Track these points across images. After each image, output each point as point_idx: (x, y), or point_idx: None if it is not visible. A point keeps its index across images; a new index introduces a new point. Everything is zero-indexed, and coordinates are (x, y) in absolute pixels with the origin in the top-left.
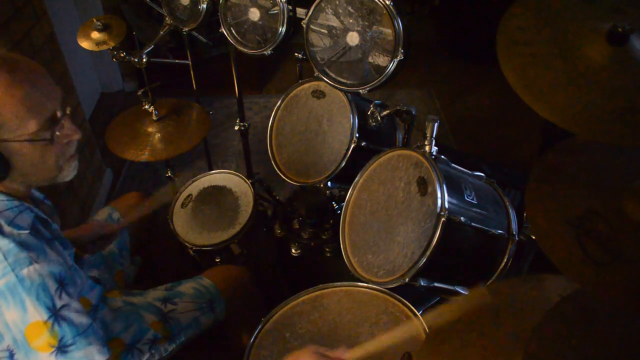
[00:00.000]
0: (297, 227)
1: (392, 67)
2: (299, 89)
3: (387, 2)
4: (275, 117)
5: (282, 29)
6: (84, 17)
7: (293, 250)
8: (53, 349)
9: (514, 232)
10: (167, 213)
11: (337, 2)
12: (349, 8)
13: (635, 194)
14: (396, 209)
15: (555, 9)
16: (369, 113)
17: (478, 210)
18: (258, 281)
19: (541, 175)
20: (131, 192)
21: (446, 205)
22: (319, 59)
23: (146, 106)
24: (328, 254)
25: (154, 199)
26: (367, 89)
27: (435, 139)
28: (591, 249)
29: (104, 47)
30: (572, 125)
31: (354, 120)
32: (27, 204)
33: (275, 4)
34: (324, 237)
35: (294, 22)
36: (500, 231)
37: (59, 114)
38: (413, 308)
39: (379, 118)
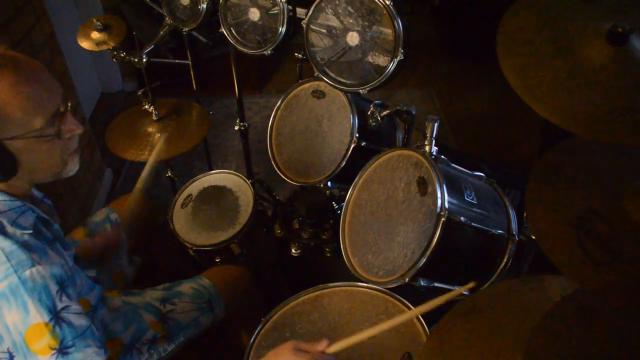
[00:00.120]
0: (297, 227)
1: (392, 67)
2: (299, 89)
3: (387, 2)
4: (275, 117)
5: (282, 29)
6: (84, 17)
7: (293, 250)
8: (54, 351)
9: (514, 232)
10: (167, 213)
11: (337, 2)
12: (349, 8)
13: (635, 194)
14: (396, 209)
15: (555, 9)
16: (369, 113)
17: (478, 210)
18: (258, 281)
19: (541, 175)
20: (129, 193)
21: (446, 205)
22: (319, 59)
23: (146, 106)
24: (328, 254)
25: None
26: (367, 89)
27: (435, 139)
28: (591, 249)
29: (104, 47)
30: (572, 125)
31: (354, 120)
32: (28, 204)
33: (275, 4)
34: (324, 237)
35: (294, 22)
36: (500, 231)
37: (62, 109)
38: (413, 308)
39: (379, 118)
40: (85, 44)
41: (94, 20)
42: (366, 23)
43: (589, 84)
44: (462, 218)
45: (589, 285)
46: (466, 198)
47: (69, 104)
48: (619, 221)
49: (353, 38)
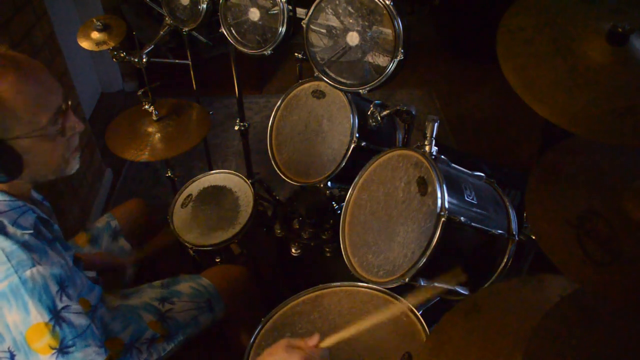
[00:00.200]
0: (297, 227)
1: (392, 67)
2: (299, 89)
3: (387, 2)
4: (275, 117)
5: (282, 29)
6: (84, 17)
7: (293, 250)
8: (54, 351)
9: (514, 232)
10: (167, 213)
11: (337, 2)
12: (349, 8)
13: (635, 194)
14: (396, 209)
15: (555, 9)
16: (369, 113)
17: (478, 210)
18: (258, 281)
19: (541, 175)
20: (132, 200)
21: (446, 205)
22: (319, 59)
23: (146, 106)
24: (328, 254)
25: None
26: (367, 89)
27: (435, 139)
28: (591, 249)
29: (104, 47)
30: (572, 125)
31: (354, 120)
32: (29, 205)
33: (275, 4)
34: (324, 237)
35: (294, 22)
36: (500, 231)
37: (63, 106)
38: (413, 308)
39: (379, 118)
40: (85, 44)
41: (94, 20)
42: (366, 23)
43: (589, 84)
44: (462, 218)
45: (589, 285)
46: (466, 198)
47: (69, 102)
48: (619, 221)
49: (353, 38)
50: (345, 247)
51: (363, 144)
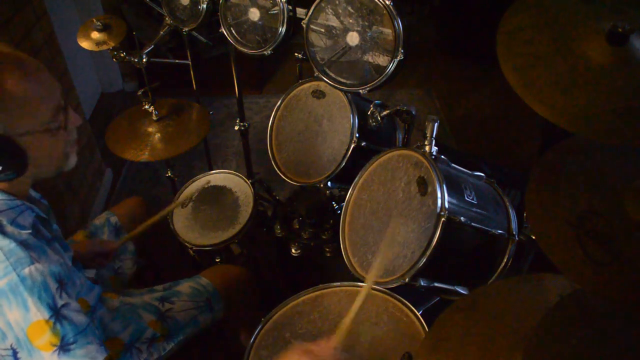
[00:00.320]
0: (297, 227)
1: (392, 67)
2: (299, 89)
3: (387, 2)
4: (275, 117)
5: (282, 29)
6: (84, 17)
7: (293, 250)
8: (55, 348)
9: (514, 232)
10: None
11: (337, 2)
12: (349, 8)
13: (635, 194)
14: (396, 209)
15: (555, 9)
16: (369, 113)
17: (478, 210)
18: (258, 281)
19: (541, 175)
20: (131, 198)
21: (446, 205)
22: (319, 59)
23: (146, 106)
24: (328, 254)
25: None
26: (367, 89)
27: (435, 139)
28: (591, 249)
29: (104, 47)
30: (572, 125)
31: (354, 120)
32: (27, 204)
33: (275, 4)
34: (324, 237)
35: (294, 22)
36: (500, 231)
37: (62, 102)
38: (413, 308)
39: (379, 118)
40: (85, 44)
41: (94, 20)
42: (366, 23)
43: (589, 84)
44: (462, 218)
45: (589, 285)
46: (466, 198)
47: (66, 99)
48: (619, 221)
49: (353, 38)
50: (345, 247)
51: (363, 144)
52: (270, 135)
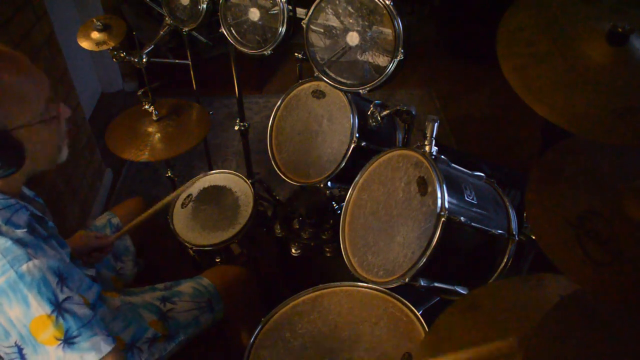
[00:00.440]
0: (297, 227)
1: (392, 67)
2: (299, 89)
3: (387, 2)
4: (275, 117)
5: (282, 29)
6: (84, 17)
7: (293, 250)
8: (59, 342)
9: (514, 232)
10: (167, 213)
11: (337, 2)
12: (349, 8)
13: (635, 194)
14: (396, 209)
15: (555, 9)
16: (369, 113)
17: (478, 210)
18: (258, 281)
19: (541, 175)
20: (132, 198)
21: (446, 205)
22: (319, 59)
23: (146, 106)
24: (328, 254)
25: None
26: (367, 89)
27: (435, 139)
28: (591, 249)
29: (104, 47)
30: (572, 125)
31: (354, 120)
32: (21, 202)
33: (275, 4)
34: (324, 237)
35: (294, 22)
36: (500, 231)
37: (52, 94)
38: (413, 308)
39: (379, 118)
40: (85, 44)
41: (94, 20)
42: (366, 23)
43: (589, 84)
44: (462, 218)
45: (589, 285)
46: (466, 198)
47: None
48: (619, 221)
49: (353, 38)
50: (345, 247)
51: (363, 144)
52: (270, 135)
